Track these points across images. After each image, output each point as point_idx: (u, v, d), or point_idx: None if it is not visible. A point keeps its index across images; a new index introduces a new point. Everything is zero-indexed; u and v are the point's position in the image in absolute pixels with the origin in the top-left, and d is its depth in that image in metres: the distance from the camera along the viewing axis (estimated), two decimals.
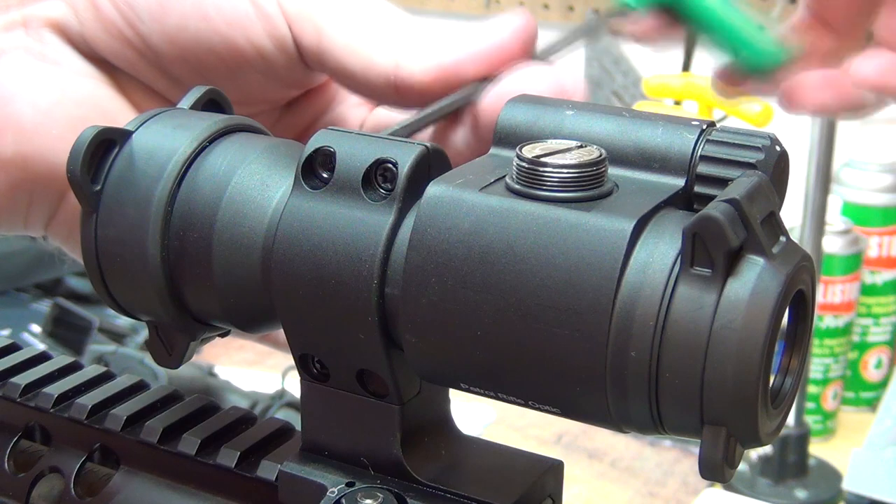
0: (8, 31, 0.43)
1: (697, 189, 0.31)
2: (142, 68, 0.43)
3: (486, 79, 0.40)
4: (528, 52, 0.41)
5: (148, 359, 1.31)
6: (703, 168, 0.31)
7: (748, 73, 0.54)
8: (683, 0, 0.53)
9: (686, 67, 1.40)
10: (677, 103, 1.41)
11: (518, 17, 0.41)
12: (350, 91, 0.44)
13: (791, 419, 1.26)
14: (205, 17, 0.42)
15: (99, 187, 0.34)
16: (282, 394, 1.32)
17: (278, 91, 0.45)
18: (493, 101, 0.39)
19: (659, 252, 0.28)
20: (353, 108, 0.48)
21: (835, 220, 1.36)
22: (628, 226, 0.28)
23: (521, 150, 0.30)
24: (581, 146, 0.31)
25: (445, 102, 0.41)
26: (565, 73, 0.41)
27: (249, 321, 0.35)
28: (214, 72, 0.43)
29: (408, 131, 0.40)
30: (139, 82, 0.44)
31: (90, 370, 0.41)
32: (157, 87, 0.44)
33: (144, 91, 0.44)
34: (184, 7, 0.42)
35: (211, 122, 0.35)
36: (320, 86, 0.47)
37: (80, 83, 0.43)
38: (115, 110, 0.44)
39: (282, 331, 0.34)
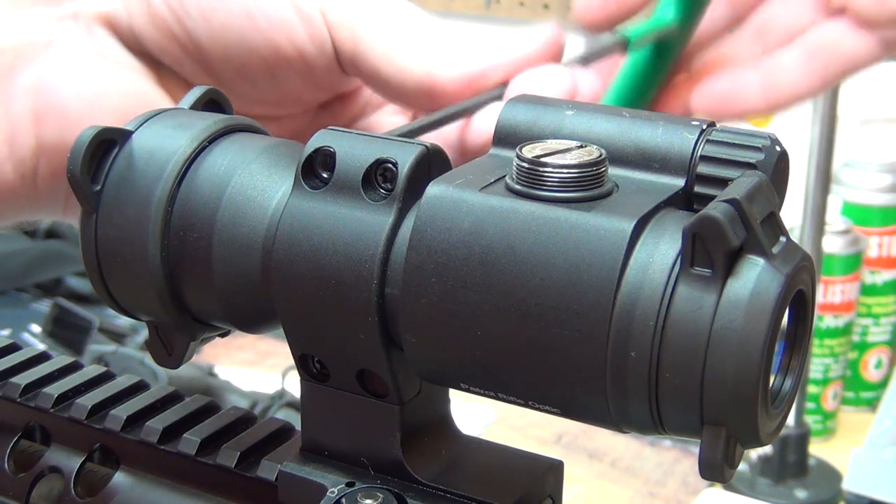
0: (58, 21, 0.44)
1: (697, 189, 0.31)
2: (185, 64, 0.44)
3: (504, 83, 0.42)
4: (554, 63, 0.43)
5: (148, 359, 1.31)
6: (703, 168, 0.31)
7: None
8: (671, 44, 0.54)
9: None
10: None
11: (548, 29, 0.42)
12: (383, 96, 0.45)
13: (791, 419, 1.26)
14: (250, 16, 0.43)
15: (99, 187, 0.34)
16: (282, 394, 1.32)
17: (314, 93, 0.46)
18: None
19: (659, 252, 0.28)
20: (389, 116, 0.49)
21: (835, 220, 1.36)
22: (628, 226, 0.28)
23: (521, 150, 0.30)
24: (581, 146, 0.31)
25: (462, 106, 0.41)
26: (583, 75, 0.42)
27: (249, 321, 0.35)
28: (255, 71, 0.44)
29: (421, 131, 0.40)
30: (181, 78, 0.45)
31: (90, 370, 0.41)
32: (198, 83, 0.45)
33: (185, 87, 0.45)
34: (231, 6, 0.43)
35: (211, 122, 0.35)
36: (354, 91, 0.48)
37: (124, 76, 0.44)
38: (157, 104, 0.45)
39: None
